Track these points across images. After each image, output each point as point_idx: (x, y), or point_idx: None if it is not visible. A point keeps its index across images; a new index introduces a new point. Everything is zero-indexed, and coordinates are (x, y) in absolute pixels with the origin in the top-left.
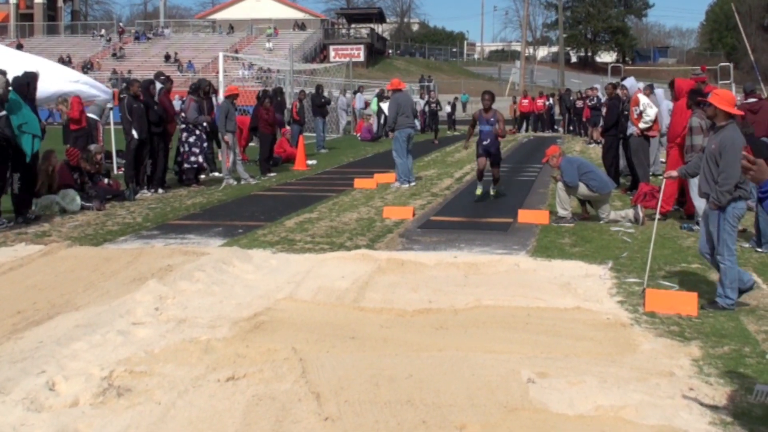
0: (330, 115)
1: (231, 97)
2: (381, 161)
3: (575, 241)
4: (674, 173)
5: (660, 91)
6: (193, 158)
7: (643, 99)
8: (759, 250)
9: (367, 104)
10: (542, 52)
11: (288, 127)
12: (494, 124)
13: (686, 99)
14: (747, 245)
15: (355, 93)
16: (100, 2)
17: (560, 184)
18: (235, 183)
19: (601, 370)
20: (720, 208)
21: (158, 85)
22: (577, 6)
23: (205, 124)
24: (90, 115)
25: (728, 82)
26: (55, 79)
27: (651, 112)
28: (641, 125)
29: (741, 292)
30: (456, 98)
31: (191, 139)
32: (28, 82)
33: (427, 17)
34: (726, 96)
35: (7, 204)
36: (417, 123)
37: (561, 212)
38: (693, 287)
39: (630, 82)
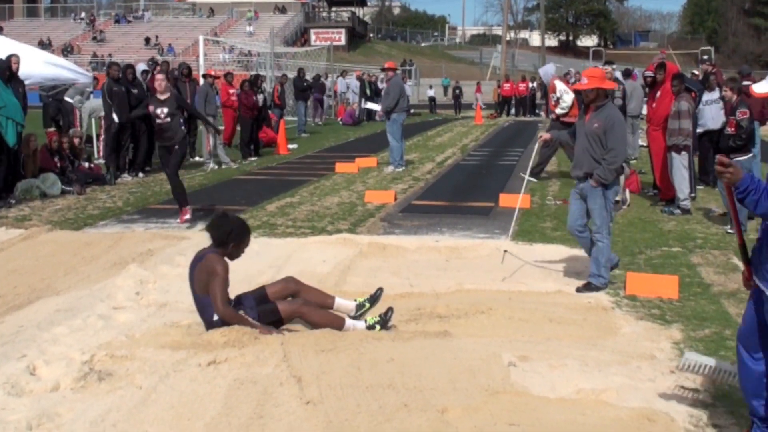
0: (311, 100)
1: (210, 80)
2: (362, 145)
3: (556, 225)
4: (548, 135)
5: (637, 73)
6: None
7: (559, 86)
8: (729, 231)
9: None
10: (523, 36)
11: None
12: None
13: (671, 83)
14: (729, 229)
15: (337, 77)
16: None
17: None
18: (216, 167)
19: (582, 353)
20: (604, 186)
21: (141, 67)
22: None
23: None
24: (66, 99)
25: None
26: (35, 63)
27: (567, 99)
28: (558, 111)
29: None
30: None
31: None
32: (8, 65)
33: (408, 1)
34: (598, 73)
35: None
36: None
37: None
38: (674, 270)
39: (546, 68)
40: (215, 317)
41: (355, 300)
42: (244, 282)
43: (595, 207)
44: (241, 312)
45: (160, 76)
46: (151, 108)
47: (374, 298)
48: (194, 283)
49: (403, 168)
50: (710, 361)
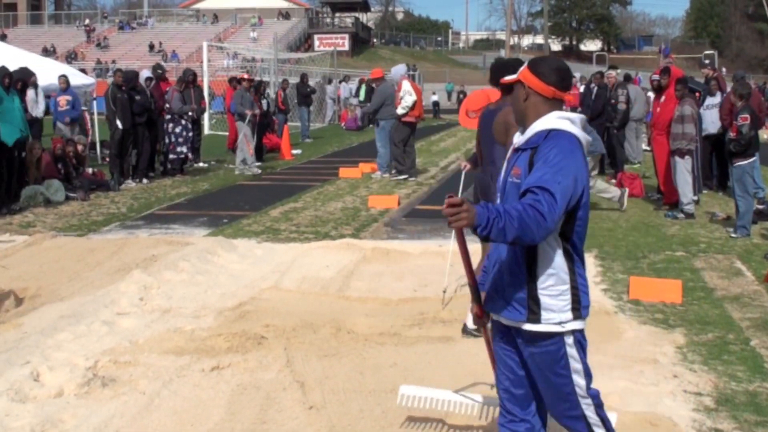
0: (314, 105)
1: (246, 84)
2: (366, 150)
3: None
4: (469, 164)
5: (640, 78)
6: (179, 148)
7: (405, 86)
8: (733, 235)
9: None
10: (527, 41)
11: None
12: None
13: (674, 87)
14: (732, 233)
15: (340, 82)
16: None
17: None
18: (259, 171)
19: None
20: None
21: (145, 73)
22: None
23: (190, 113)
24: None
25: None
26: (40, 72)
27: (409, 100)
28: (399, 110)
29: None
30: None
31: (177, 130)
32: (7, 74)
33: (412, 6)
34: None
35: None
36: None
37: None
38: (677, 275)
39: (397, 68)
40: None
41: None
42: (248, 287)
43: None
44: None
45: None
46: None
47: None
48: (494, 135)
49: (389, 174)
50: (428, 393)
